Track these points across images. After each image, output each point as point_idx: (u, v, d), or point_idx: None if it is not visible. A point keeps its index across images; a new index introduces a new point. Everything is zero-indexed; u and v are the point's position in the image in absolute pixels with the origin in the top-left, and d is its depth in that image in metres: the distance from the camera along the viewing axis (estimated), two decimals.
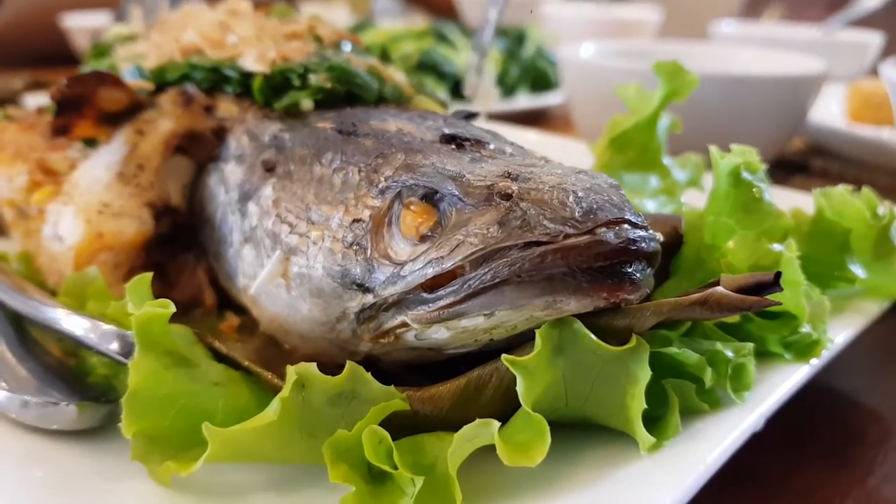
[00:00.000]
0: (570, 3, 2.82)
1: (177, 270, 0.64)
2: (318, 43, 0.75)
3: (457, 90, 1.47)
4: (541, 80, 1.63)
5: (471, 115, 0.64)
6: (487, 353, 0.43)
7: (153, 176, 0.62)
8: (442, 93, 1.43)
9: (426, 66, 1.40)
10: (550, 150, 0.60)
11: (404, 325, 0.43)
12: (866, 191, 0.59)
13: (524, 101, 1.57)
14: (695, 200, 0.69)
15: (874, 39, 1.79)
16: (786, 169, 1.25)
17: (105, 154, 0.63)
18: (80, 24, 1.92)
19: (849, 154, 1.26)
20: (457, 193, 0.41)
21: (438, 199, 0.42)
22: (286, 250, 0.49)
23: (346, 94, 0.64)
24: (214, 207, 0.61)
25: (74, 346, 0.48)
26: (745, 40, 1.86)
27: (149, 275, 0.45)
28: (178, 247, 0.64)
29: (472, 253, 0.39)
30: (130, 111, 0.65)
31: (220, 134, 0.65)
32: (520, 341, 0.41)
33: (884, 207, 0.57)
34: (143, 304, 0.42)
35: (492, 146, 0.49)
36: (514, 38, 1.69)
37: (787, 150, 1.28)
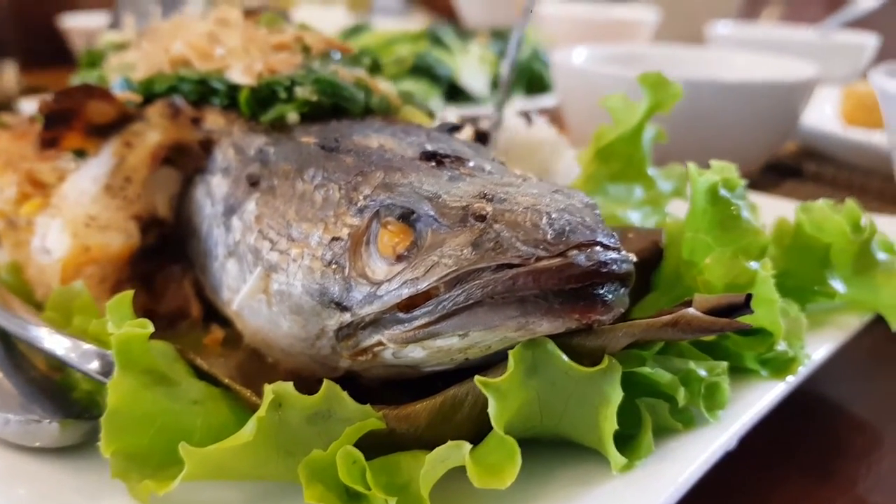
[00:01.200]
0: (566, 3, 2.81)
1: (163, 282, 0.64)
2: (305, 53, 0.75)
3: (451, 93, 1.47)
4: (535, 82, 1.63)
5: (455, 128, 0.65)
6: (465, 370, 0.43)
7: (140, 188, 0.62)
8: (436, 96, 1.44)
9: (421, 70, 1.41)
10: None
11: (381, 343, 0.43)
12: (850, 203, 0.59)
13: (518, 103, 1.57)
14: (680, 210, 0.70)
15: (870, 41, 1.79)
16: (779, 172, 1.26)
17: (93, 166, 0.63)
18: (77, 25, 1.93)
19: (842, 158, 1.26)
20: (433, 214, 0.42)
21: (415, 219, 0.42)
22: (267, 267, 0.49)
23: (332, 106, 0.65)
24: (201, 220, 0.62)
25: (56, 361, 0.49)
26: (742, 42, 1.86)
27: (130, 293, 0.45)
28: (165, 258, 0.65)
29: (447, 274, 0.39)
30: (119, 123, 0.65)
31: (207, 146, 0.65)
32: (496, 359, 0.42)
33: (865, 220, 0.57)
34: (124, 323, 0.42)
35: (471, 163, 0.49)
36: (508, 41, 1.68)
37: (780, 153, 1.28)
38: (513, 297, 0.38)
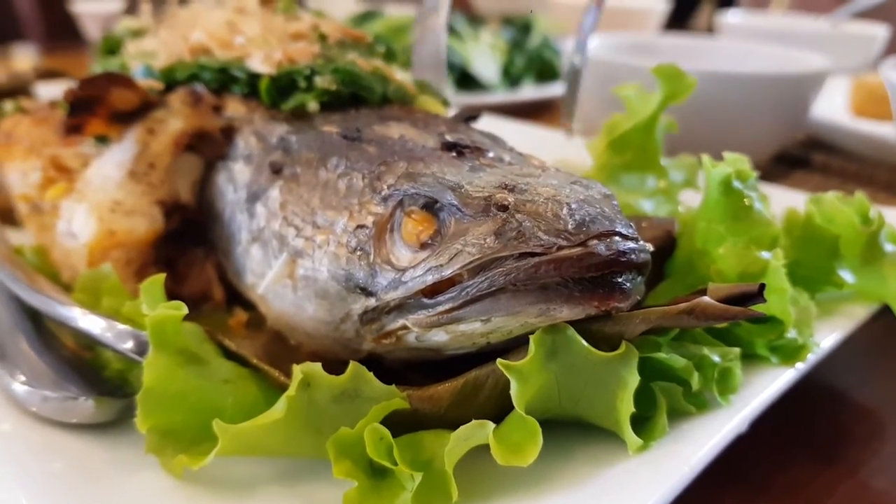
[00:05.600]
0: None
1: (186, 266, 0.66)
2: (322, 41, 0.76)
3: (462, 81, 1.47)
4: (546, 70, 1.64)
5: (471, 117, 0.66)
6: (485, 353, 0.45)
7: (164, 174, 0.64)
8: (447, 85, 1.44)
9: None
10: (553, 145, 0.61)
11: (405, 327, 0.45)
12: (859, 196, 0.60)
13: (529, 91, 1.58)
14: (690, 200, 0.71)
15: (880, 32, 1.79)
16: (787, 163, 1.26)
17: (117, 152, 0.64)
18: (89, 10, 1.94)
19: (850, 149, 1.27)
20: (456, 203, 0.43)
21: (438, 208, 0.44)
22: (293, 253, 0.51)
23: (351, 95, 0.66)
24: (223, 205, 0.63)
25: (89, 341, 0.50)
26: (752, 32, 1.85)
27: (161, 276, 0.47)
28: (187, 242, 0.66)
29: (470, 262, 0.41)
30: (141, 110, 0.67)
31: (228, 133, 0.66)
32: (516, 343, 0.43)
33: (874, 212, 0.59)
34: (157, 305, 0.44)
35: (491, 154, 0.50)
36: (519, 28, 1.69)
37: (788, 143, 1.29)
38: (534, 285, 0.40)
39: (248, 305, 0.62)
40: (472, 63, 1.46)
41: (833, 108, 1.36)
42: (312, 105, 0.64)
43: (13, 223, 0.79)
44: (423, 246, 0.44)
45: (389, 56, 0.80)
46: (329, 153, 0.54)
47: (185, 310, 0.43)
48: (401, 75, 0.74)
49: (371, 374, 0.43)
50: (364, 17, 1.57)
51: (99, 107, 0.65)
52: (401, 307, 0.44)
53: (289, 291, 0.52)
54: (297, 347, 0.56)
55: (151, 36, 0.90)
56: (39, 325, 0.58)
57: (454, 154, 0.50)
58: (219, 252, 0.65)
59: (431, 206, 0.44)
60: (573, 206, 0.41)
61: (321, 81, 0.65)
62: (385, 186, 0.47)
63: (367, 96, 0.66)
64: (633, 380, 0.40)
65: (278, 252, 0.53)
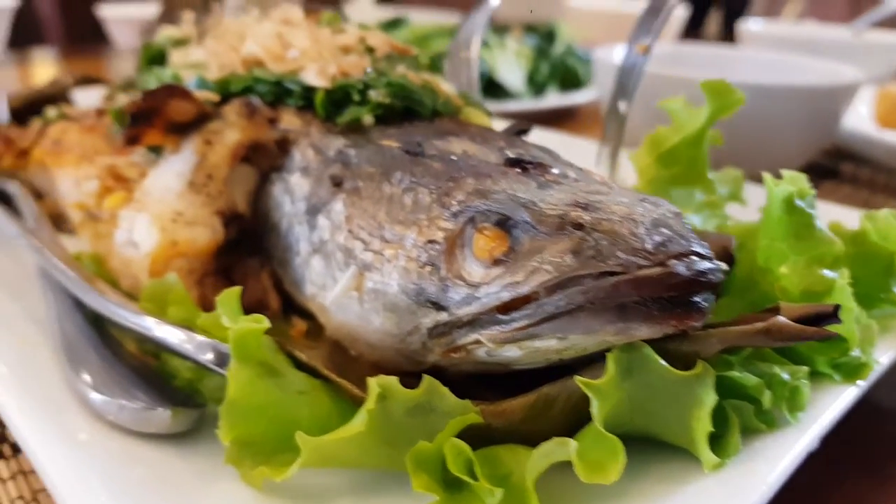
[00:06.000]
0: None
1: (242, 275, 0.67)
2: (369, 54, 0.77)
3: (488, 89, 1.48)
4: (570, 78, 1.65)
5: (522, 131, 0.67)
6: (552, 367, 0.46)
7: (222, 185, 0.65)
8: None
9: None
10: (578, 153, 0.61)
11: (477, 342, 0.46)
12: None
13: (554, 99, 1.59)
14: (736, 213, 0.71)
15: None
16: (816, 173, 1.27)
17: (175, 163, 0.66)
18: (119, 15, 1.95)
19: (878, 160, 1.27)
20: (530, 221, 0.44)
21: (511, 225, 0.45)
22: (361, 266, 0.52)
23: (403, 108, 0.67)
24: (280, 216, 0.64)
25: (163, 350, 0.51)
26: (773, 40, 1.86)
27: (238, 289, 0.48)
28: (242, 251, 0.67)
29: (548, 280, 0.42)
30: (196, 121, 0.68)
31: (283, 145, 0.67)
32: (585, 358, 0.44)
33: None
34: (237, 318, 0.45)
35: (555, 170, 0.51)
36: (543, 36, 1.70)
37: (816, 154, 1.30)
38: (612, 303, 0.40)
39: (303, 314, 0.63)
40: (497, 71, 1.47)
41: (859, 118, 1.36)
42: (368, 119, 0.65)
43: (60, 229, 0.80)
44: (496, 262, 0.45)
45: (434, 68, 0.81)
46: (392, 168, 0.55)
47: (266, 323, 0.44)
48: (446, 87, 0.75)
49: (445, 388, 0.43)
50: (390, 25, 1.58)
51: (157, 118, 0.66)
52: (473, 322, 0.45)
53: (354, 303, 0.53)
54: (356, 358, 0.57)
55: (196, 46, 0.91)
56: (104, 333, 0.59)
57: (518, 170, 0.51)
58: (274, 261, 0.66)
59: (504, 223, 0.45)
60: (648, 225, 0.42)
61: (375, 95, 0.66)
62: (454, 202, 0.48)
63: (418, 110, 0.67)
64: (710, 399, 0.40)
65: (343, 265, 0.54)
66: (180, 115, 0.66)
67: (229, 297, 0.47)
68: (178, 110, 0.66)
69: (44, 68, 2.30)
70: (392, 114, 0.66)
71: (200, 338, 0.47)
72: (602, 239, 0.42)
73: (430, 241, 0.48)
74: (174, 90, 0.65)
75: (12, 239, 0.72)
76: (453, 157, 0.53)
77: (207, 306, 0.59)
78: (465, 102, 0.76)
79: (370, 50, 0.77)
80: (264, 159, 0.68)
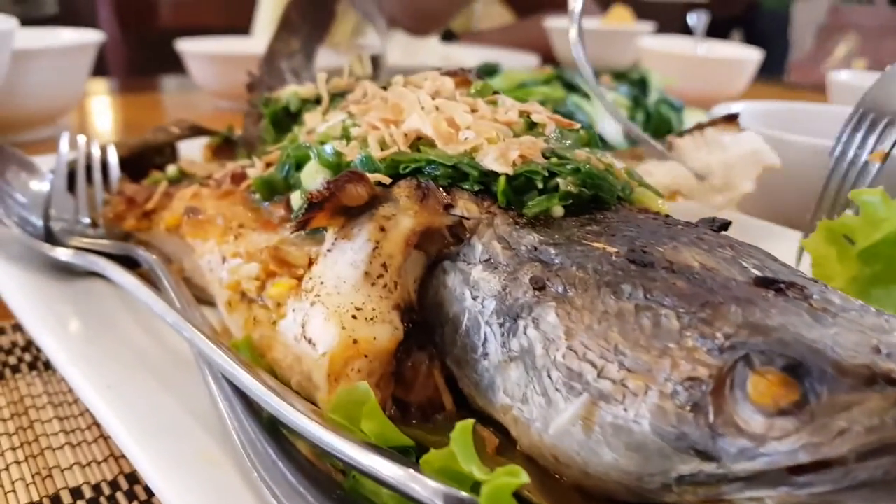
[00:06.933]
0: (662, 37, 2.77)
1: (413, 371, 0.62)
2: (532, 129, 0.73)
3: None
4: (663, 127, 1.60)
5: (724, 226, 0.62)
6: None
7: (396, 276, 0.61)
8: None
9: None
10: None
11: (757, 499, 0.40)
12: None
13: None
14: None
15: None
16: None
17: (349, 251, 0.62)
18: (195, 50, 1.95)
19: None
20: (828, 370, 0.39)
21: (804, 372, 0.40)
22: (594, 395, 0.47)
23: (591, 197, 0.62)
24: (458, 311, 0.60)
25: (374, 480, 0.47)
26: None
27: (470, 422, 0.43)
28: (411, 344, 0.63)
29: (864, 445, 0.37)
30: (366, 204, 0.64)
31: (455, 232, 0.63)
32: None
33: None
34: (485, 468, 0.40)
35: (815, 295, 0.46)
36: (634, 83, 1.66)
37: None
38: None
39: (484, 420, 0.58)
40: (597, 122, 1.43)
41: None
42: (558, 209, 0.60)
43: None
44: (782, 413, 0.40)
45: (593, 143, 0.76)
46: (616, 279, 0.50)
47: (525, 478, 0.39)
48: (619, 166, 0.70)
49: None
50: (487, 73, 1.55)
51: (328, 202, 0.62)
52: (753, 479, 0.40)
53: (578, 432, 0.48)
54: (558, 479, 0.52)
55: (333, 110, 0.88)
56: (278, 435, 0.55)
57: (773, 293, 0.46)
58: (448, 357, 0.61)
59: (793, 369, 0.40)
60: None
61: (563, 184, 0.61)
62: (720, 335, 0.43)
63: (606, 198, 0.63)
64: None
65: (565, 388, 0.49)
66: (353, 200, 0.62)
67: (463, 434, 0.43)
68: (353, 195, 0.62)
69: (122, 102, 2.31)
70: (580, 203, 0.62)
71: (431, 482, 0.42)
72: None
73: (691, 378, 0.43)
74: (352, 176, 0.61)
75: (157, 316, 0.69)
76: (692, 273, 0.48)
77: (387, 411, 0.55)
78: (638, 183, 0.71)
79: (531, 125, 0.73)
80: (433, 245, 0.64)
